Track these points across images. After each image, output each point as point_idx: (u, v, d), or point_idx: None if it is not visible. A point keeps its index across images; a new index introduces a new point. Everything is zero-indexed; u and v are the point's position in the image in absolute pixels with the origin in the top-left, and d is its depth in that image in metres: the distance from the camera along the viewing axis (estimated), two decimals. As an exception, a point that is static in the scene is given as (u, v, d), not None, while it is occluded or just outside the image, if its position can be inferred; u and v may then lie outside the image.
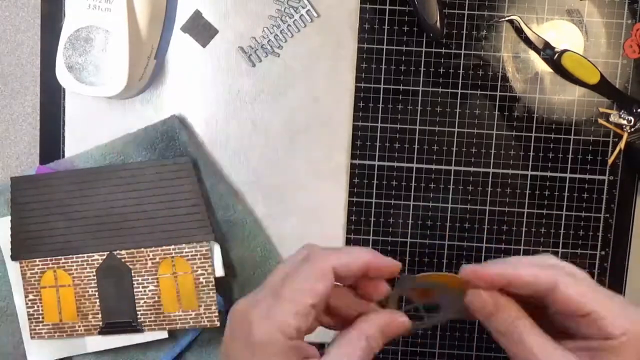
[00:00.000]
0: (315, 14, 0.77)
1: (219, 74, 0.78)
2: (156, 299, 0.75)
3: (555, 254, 0.80)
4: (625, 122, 0.77)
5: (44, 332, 0.76)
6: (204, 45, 0.78)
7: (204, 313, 0.75)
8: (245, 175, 0.79)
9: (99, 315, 0.76)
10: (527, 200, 0.79)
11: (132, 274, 0.75)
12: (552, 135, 0.78)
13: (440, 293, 0.51)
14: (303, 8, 0.77)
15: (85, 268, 0.76)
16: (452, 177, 0.79)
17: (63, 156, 0.79)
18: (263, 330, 0.46)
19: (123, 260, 0.75)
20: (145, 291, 0.75)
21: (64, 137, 0.79)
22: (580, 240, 0.80)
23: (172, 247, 0.75)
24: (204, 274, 0.75)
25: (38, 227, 0.76)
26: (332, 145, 0.79)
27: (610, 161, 0.79)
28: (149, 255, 0.75)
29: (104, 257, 0.75)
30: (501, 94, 0.78)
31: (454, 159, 0.79)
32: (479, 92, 0.78)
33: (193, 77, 0.79)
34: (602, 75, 0.76)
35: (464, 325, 0.80)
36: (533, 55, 0.78)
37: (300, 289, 0.47)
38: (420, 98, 0.78)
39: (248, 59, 0.78)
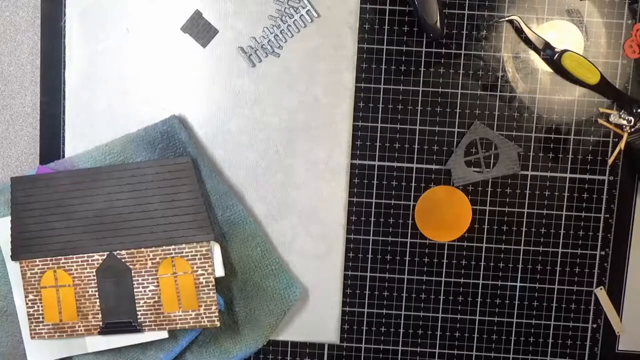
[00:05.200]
0: (315, 14, 0.77)
1: (219, 74, 0.78)
2: (156, 299, 0.75)
3: (555, 254, 0.80)
4: (625, 122, 0.77)
5: (44, 332, 0.76)
6: (204, 46, 0.78)
7: (204, 313, 0.75)
8: (245, 175, 0.79)
9: (99, 315, 0.76)
10: (527, 201, 0.79)
11: (132, 274, 0.75)
12: (552, 135, 0.78)
13: None
14: (303, 8, 0.77)
15: (86, 268, 0.76)
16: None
17: (63, 156, 0.79)
18: None
19: (123, 260, 0.75)
20: (145, 291, 0.75)
21: (64, 137, 0.79)
22: (580, 240, 0.80)
23: (172, 247, 0.75)
24: (204, 274, 0.75)
25: (38, 227, 0.76)
26: (332, 145, 0.79)
27: (610, 161, 0.79)
28: (149, 255, 0.75)
29: (104, 257, 0.75)
30: (501, 94, 0.78)
31: (454, 159, 0.79)
32: (479, 92, 0.78)
33: (193, 77, 0.79)
34: (602, 75, 0.76)
35: (464, 325, 0.80)
36: (533, 55, 0.78)
37: None
38: (420, 98, 0.78)
39: (248, 59, 0.78)
